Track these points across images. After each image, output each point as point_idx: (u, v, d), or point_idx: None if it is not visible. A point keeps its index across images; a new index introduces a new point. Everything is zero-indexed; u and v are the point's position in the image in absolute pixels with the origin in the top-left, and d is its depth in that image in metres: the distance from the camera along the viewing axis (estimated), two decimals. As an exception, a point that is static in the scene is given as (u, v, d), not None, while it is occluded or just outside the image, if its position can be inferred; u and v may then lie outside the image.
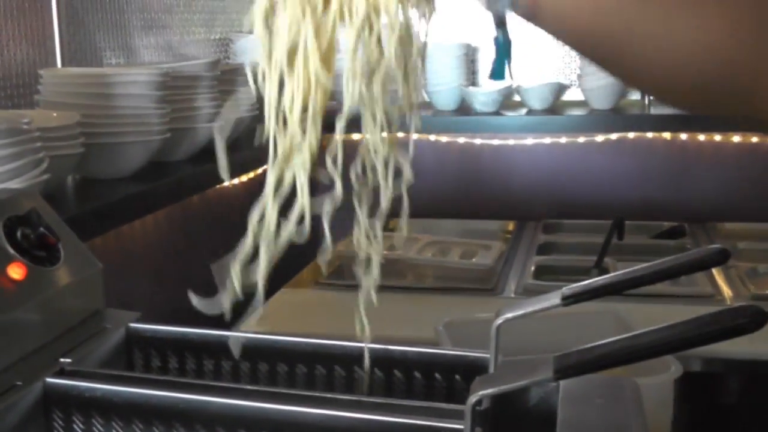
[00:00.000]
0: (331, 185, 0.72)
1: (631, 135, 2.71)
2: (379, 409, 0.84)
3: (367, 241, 0.73)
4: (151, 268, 1.93)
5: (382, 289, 2.35)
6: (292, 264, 2.28)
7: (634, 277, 0.88)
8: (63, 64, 1.87)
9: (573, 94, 2.78)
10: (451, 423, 0.78)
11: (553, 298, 0.87)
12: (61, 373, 0.96)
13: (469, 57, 2.84)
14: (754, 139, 2.68)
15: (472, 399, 0.69)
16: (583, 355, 0.69)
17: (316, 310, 1.99)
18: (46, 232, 1.02)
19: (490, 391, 0.69)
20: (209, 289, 2.34)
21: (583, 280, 2.25)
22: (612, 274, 0.94)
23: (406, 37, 0.66)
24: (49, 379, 0.94)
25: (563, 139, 2.78)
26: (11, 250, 0.99)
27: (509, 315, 0.89)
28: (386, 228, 2.83)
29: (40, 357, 0.97)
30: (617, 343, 0.69)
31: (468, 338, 1.40)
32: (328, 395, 0.88)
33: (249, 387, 0.91)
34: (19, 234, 1.00)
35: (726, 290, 1.99)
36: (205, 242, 2.18)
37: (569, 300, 0.86)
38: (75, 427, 0.95)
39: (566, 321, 1.46)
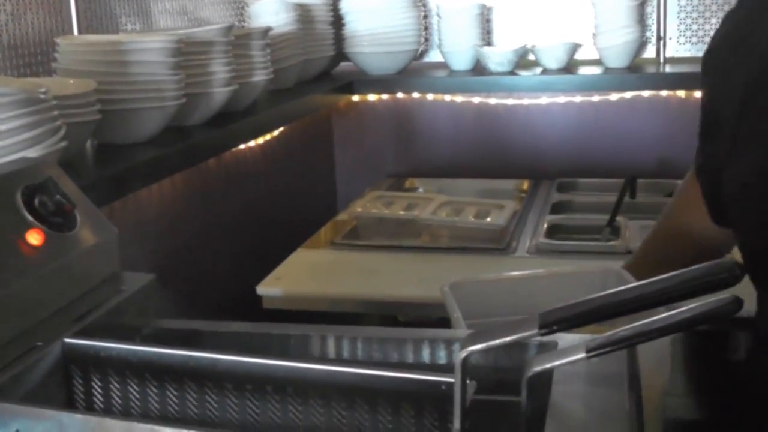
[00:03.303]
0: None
1: (645, 93, 2.72)
2: (376, 366, 0.88)
3: None
4: (169, 230, 1.97)
5: (396, 249, 2.38)
6: (308, 225, 2.32)
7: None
8: (79, 31, 1.90)
9: (587, 53, 2.78)
10: (445, 377, 0.82)
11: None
12: (79, 333, 1.00)
13: (484, 17, 2.84)
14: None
15: (462, 354, 0.73)
16: (566, 312, 0.72)
17: (331, 270, 2.03)
18: (63, 200, 1.06)
19: (478, 346, 0.73)
20: (226, 251, 2.38)
21: (596, 239, 2.26)
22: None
23: None
24: (68, 340, 0.99)
25: (578, 98, 2.79)
26: (29, 217, 1.03)
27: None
28: (402, 188, 2.83)
29: (58, 319, 1.02)
30: (600, 299, 0.73)
31: (473, 298, 1.44)
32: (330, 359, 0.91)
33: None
34: (36, 202, 1.04)
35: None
36: (222, 205, 2.22)
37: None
38: (93, 384, 1.00)
39: (570, 280, 1.49)
